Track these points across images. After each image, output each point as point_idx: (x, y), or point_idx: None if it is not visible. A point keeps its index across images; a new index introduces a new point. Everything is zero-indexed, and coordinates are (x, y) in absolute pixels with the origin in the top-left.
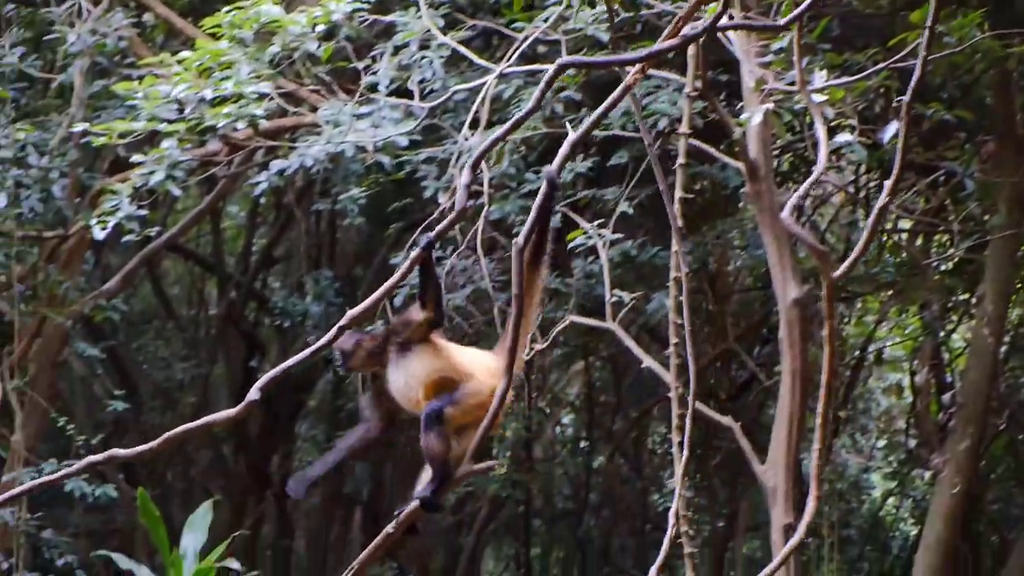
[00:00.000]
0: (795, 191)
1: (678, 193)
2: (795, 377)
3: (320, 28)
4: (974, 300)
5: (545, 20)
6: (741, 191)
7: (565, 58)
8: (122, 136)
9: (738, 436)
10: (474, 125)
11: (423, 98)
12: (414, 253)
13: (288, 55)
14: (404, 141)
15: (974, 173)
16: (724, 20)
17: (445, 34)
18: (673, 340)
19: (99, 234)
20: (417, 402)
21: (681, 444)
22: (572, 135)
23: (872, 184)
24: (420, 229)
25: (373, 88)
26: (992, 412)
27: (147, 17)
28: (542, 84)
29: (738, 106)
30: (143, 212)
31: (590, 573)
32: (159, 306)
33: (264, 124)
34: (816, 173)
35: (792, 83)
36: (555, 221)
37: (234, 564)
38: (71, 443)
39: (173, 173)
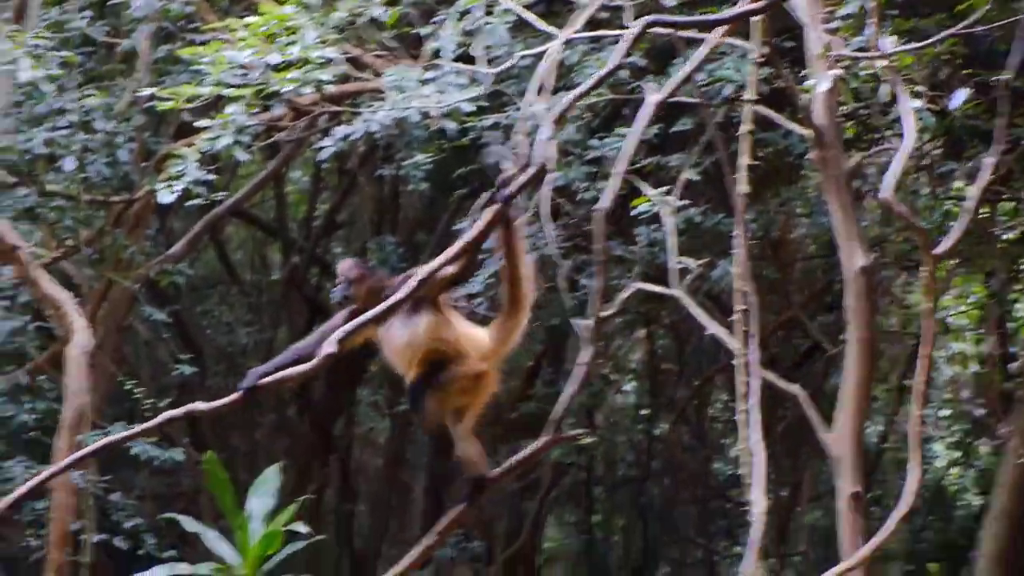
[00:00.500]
0: (858, 158)
1: (743, 160)
2: (861, 346)
3: None
4: None
5: None
6: (805, 158)
7: (650, 17)
8: (188, 101)
9: (804, 404)
10: (538, 92)
11: (488, 64)
12: (490, 209)
13: (353, 20)
14: (468, 107)
15: None
16: None
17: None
18: (738, 307)
19: (166, 199)
20: (408, 366)
21: (746, 412)
22: (653, 96)
23: (935, 151)
24: (482, 197)
25: (437, 54)
26: None
27: None
28: (624, 42)
29: (802, 73)
30: (210, 177)
31: (652, 540)
32: (223, 271)
33: (329, 89)
34: (906, 145)
35: (859, 49)
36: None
37: (301, 527)
38: (137, 406)
39: (239, 138)
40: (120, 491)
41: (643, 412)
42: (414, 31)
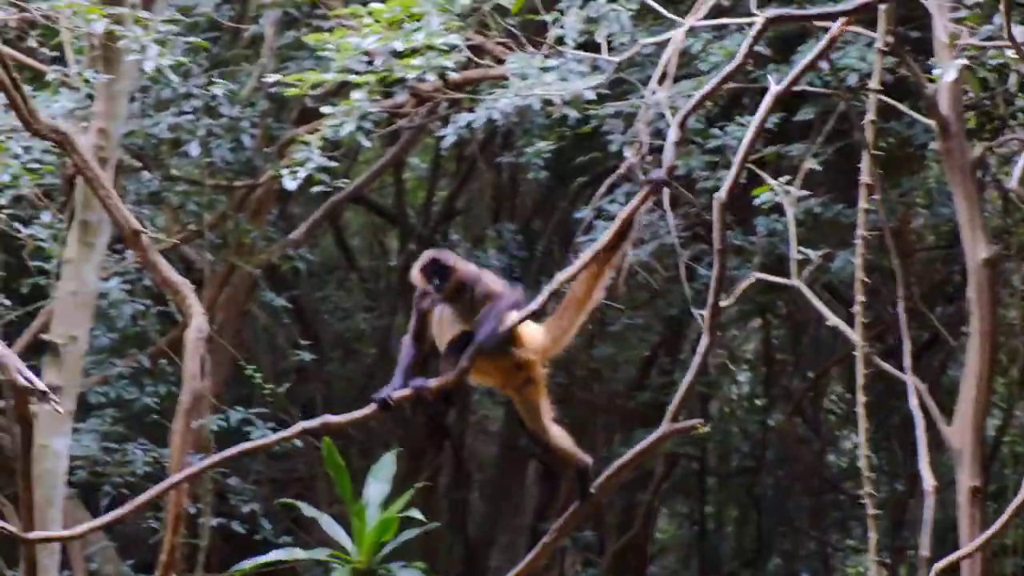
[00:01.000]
0: (983, 148)
1: (867, 150)
2: (983, 338)
3: None
4: None
5: None
6: (928, 148)
7: (773, 11)
8: (313, 87)
9: (924, 397)
10: (661, 80)
11: (610, 52)
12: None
13: (478, 7)
14: (591, 94)
15: None
16: None
17: None
18: (859, 298)
19: (290, 184)
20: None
21: (865, 404)
22: (775, 87)
23: None
24: (604, 185)
25: (560, 41)
26: None
27: None
28: (750, 37)
29: (927, 62)
30: (331, 163)
31: (765, 532)
32: (340, 256)
33: (452, 76)
34: None
35: (987, 38)
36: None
37: (416, 514)
38: (255, 391)
39: (362, 124)
40: (237, 476)
41: (758, 402)
42: (538, 18)
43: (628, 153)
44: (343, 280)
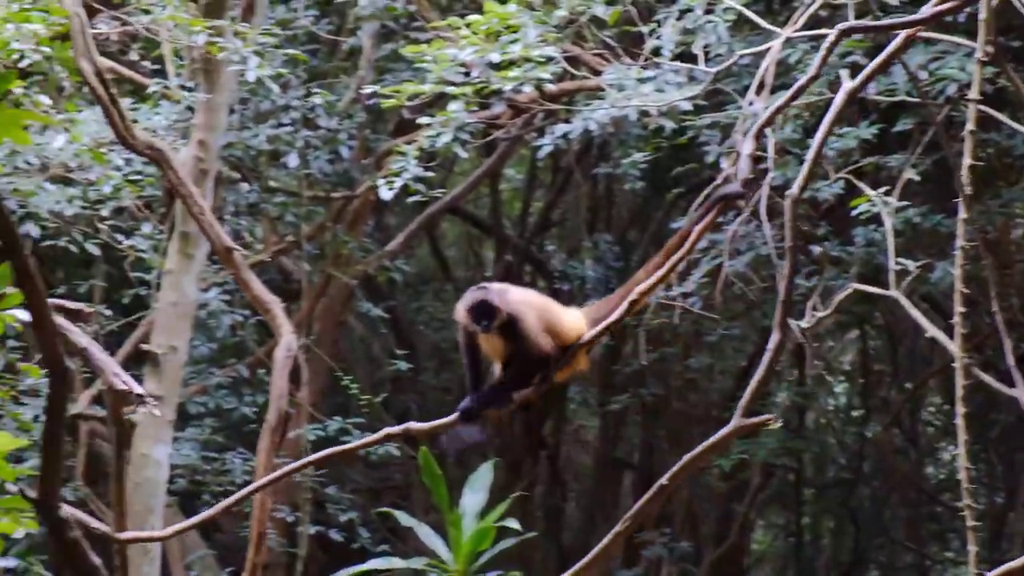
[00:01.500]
0: None
1: (966, 160)
2: None
3: None
4: None
5: None
6: None
7: (845, 23)
8: (410, 98)
9: None
10: (758, 90)
11: (707, 62)
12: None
13: (574, 18)
14: (687, 105)
15: None
16: None
17: None
18: (958, 309)
19: (386, 195)
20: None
21: (965, 416)
22: (847, 83)
23: None
24: (703, 196)
25: (657, 52)
26: None
27: None
28: (822, 50)
29: None
30: (429, 174)
31: (862, 544)
32: (436, 267)
33: (548, 87)
34: None
35: None
36: (837, 187)
37: (513, 524)
38: (352, 401)
39: (459, 135)
40: (335, 485)
41: (855, 414)
42: (635, 29)
43: (724, 164)
44: (439, 291)
